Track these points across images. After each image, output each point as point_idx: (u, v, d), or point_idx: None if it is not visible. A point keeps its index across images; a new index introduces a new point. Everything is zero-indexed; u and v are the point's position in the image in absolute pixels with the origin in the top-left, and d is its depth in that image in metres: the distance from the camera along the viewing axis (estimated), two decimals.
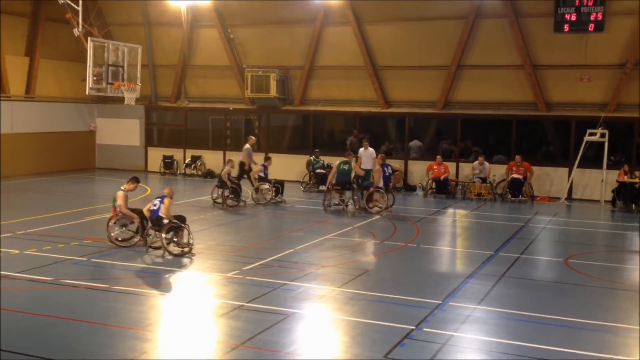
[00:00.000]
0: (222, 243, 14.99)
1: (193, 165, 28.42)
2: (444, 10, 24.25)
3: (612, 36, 22.40)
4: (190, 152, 28.90)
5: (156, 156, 29.34)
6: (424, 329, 9.43)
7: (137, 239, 14.26)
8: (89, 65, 18.92)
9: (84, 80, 19.24)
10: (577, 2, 22.25)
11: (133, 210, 14.29)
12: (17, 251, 13.50)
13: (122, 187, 14.48)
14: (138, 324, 9.48)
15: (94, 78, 19.06)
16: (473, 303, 10.76)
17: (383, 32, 25.63)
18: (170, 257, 13.46)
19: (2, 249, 13.56)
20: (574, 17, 22.35)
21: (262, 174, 20.97)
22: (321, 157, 25.06)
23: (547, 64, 23.67)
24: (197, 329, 9.47)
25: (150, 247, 13.90)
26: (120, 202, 14.11)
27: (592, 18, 22.16)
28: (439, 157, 24.00)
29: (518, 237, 16.55)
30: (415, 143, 26.03)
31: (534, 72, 23.64)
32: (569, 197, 23.31)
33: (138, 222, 14.20)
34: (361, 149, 23.10)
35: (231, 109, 28.52)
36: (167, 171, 28.70)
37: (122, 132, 30.00)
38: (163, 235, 13.54)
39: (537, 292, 11.68)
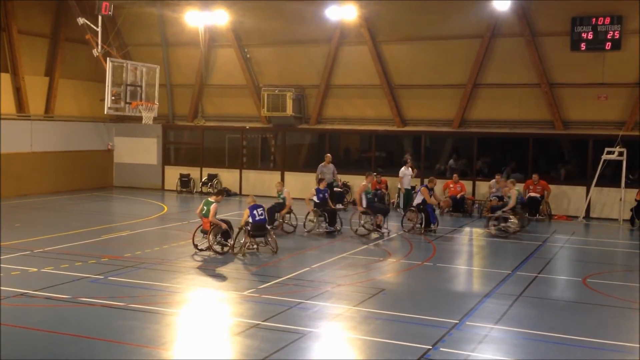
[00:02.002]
0: (239, 261, 14.99)
1: (209, 183, 28.52)
2: (459, 29, 24.29)
3: (629, 54, 22.32)
4: (206, 171, 29.04)
5: (173, 175, 29.52)
6: (441, 349, 9.35)
7: (226, 248, 15.66)
8: (108, 85, 19.19)
9: (103, 99, 19.49)
10: (593, 20, 22.27)
11: (222, 221, 15.65)
12: (35, 269, 13.60)
13: (210, 199, 15.68)
14: (154, 342, 9.49)
15: (113, 97, 19.31)
16: (490, 323, 10.67)
17: (399, 51, 25.71)
18: (190, 272, 13.54)
19: (20, 267, 13.68)
20: (590, 36, 22.37)
21: (316, 199, 18.98)
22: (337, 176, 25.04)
23: (564, 83, 23.61)
24: (213, 347, 9.46)
25: (234, 252, 15.39)
26: (212, 212, 15.34)
27: (609, 36, 22.17)
28: (455, 175, 23.93)
29: (535, 256, 16.41)
30: (451, 163, 25.89)
31: (550, 91, 23.58)
32: (587, 216, 23.12)
33: (227, 230, 15.59)
34: (402, 168, 22.98)
35: (247, 127, 28.67)
36: (184, 189, 28.84)
37: (139, 150, 30.22)
38: (270, 239, 15.64)
39: (555, 312, 11.56)
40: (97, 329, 9.96)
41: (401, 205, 23.29)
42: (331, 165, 23.19)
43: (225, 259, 15.15)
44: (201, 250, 15.65)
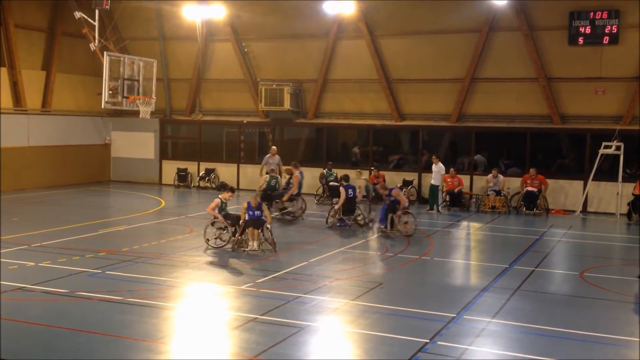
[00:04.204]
0: (236, 256, 15.00)
1: (207, 177, 28.52)
2: (457, 24, 24.27)
3: (626, 49, 22.33)
4: (204, 165, 29.02)
5: (170, 169, 29.50)
6: (438, 343, 9.37)
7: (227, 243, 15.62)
8: (105, 79, 19.13)
9: (100, 93, 19.44)
10: (591, 15, 22.27)
11: (228, 215, 15.77)
12: (32, 263, 13.60)
13: (220, 196, 16.00)
14: (152, 336, 9.50)
15: (110, 92, 19.26)
16: (488, 316, 10.70)
17: (396, 46, 25.68)
18: (191, 269, 13.55)
19: (17, 262, 13.67)
20: (588, 30, 22.38)
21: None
22: (334, 170, 25.07)
23: (562, 77, 23.61)
24: (211, 341, 9.48)
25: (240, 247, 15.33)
26: (211, 205, 15.73)
27: (606, 31, 22.18)
28: (452, 169, 23.87)
29: (533, 250, 16.44)
30: (480, 158, 25.65)
31: (548, 85, 23.58)
32: (584, 210, 23.15)
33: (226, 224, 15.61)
34: (434, 166, 22.86)
35: (245, 122, 28.64)
36: (182, 184, 28.81)
37: (137, 145, 30.18)
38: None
39: (552, 306, 11.59)
40: (95, 323, 9.96)
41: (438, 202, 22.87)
42: (277, 157, 23.58)
43: (223, 253, 15.15)
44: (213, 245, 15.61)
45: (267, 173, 21.54)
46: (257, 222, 15.27)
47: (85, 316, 10.38)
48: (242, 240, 15.31)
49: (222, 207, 15.81)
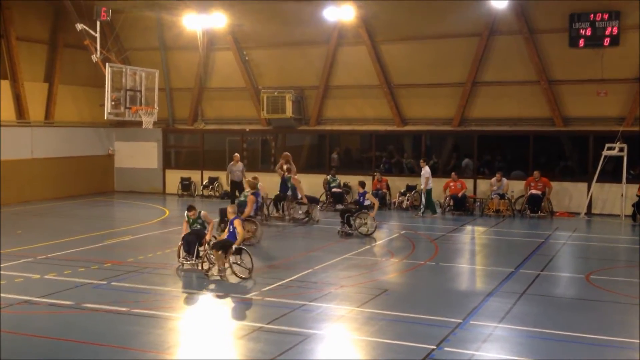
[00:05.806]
0: (241, 264, 14.97)
1: (210, 186, 28.54)
2: (457, 28, 24.28)
3: (627, 50, 22.31)
4: (207, 174, 29.02)
5: (174, 178, 29.52)
6: (445, 349, 9.35)
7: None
8: (107, 90, 19.14)
9: (103, 105, 19.45)
10: (591, 16, 22.26)
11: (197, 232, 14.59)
12: (38, 276, 13.61)
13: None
14: (158, 347, 9.50)
15: (112, 103, 19.27)
16: (494, 321, 10.67)
17: (397, 51, 25.70)
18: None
19: (23, 274, 13.69)
20: (589, 32, 22.37)
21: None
22: (338, 176, 25.08)
23: (563, 79, 23.60)
24: (217, 351, 9.47)
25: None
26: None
27: (607, 32, 22.16)
28: (453, 174, 23.82)
29: (538, 254, 16.40)
30: (467, 162, 25.62)
31: (550, 88, 23.57)
32: (589, 212, 23.10)
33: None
34: (424, 170, 22.88)
35: (247, 130, 28.68)
36: (185, 193, 28.84)
37: (140, 155, 30.23)
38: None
39: (558, 309, 11.56)
40: (101, 335, 9.96)
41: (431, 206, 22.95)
42: (240, 164, 23.96)
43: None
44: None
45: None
46: (220, 243, 13.59)
47: (91, 328, 10.37)
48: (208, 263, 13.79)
49: (190, 224, 14.60)
